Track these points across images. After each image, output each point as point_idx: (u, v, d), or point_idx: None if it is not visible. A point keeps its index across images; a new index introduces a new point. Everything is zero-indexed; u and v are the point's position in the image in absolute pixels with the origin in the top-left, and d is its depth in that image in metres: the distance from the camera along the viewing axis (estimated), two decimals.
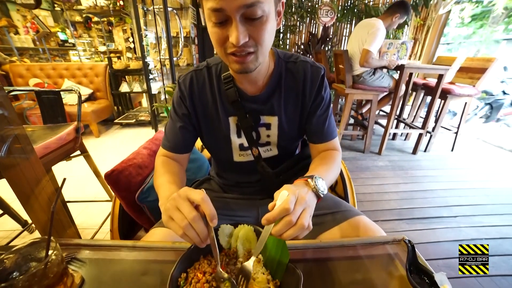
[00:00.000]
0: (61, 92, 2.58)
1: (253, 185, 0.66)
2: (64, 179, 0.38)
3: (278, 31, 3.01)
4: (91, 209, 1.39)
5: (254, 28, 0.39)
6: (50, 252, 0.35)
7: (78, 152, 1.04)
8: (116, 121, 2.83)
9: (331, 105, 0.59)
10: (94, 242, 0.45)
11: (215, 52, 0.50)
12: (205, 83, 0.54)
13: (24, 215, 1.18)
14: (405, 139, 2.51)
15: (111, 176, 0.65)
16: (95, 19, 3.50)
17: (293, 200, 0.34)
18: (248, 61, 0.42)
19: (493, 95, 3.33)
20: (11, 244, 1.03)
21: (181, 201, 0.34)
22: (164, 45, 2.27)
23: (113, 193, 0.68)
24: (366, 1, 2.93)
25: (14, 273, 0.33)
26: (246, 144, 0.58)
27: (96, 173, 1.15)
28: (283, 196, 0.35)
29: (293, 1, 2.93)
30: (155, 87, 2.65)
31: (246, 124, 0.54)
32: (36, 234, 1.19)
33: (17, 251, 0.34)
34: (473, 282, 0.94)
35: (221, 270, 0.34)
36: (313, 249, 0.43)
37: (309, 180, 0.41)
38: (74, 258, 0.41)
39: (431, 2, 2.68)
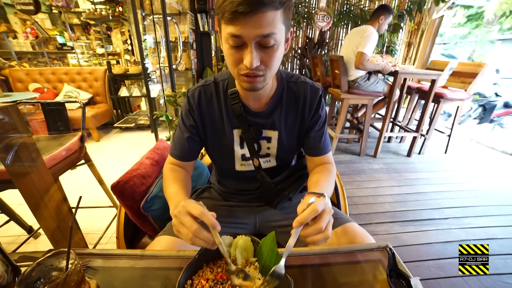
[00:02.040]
0: (62, 95, 2.59)
1: (252, 193, 0.70)
2: (80, 197, 0.42)
3: None
4: (94, 214, 1.42)
5: (265, 54, 0.44)
6: (71, 261, 0.39)
7: (82, 161, 1.07)
8: (115, 125, 2.85)
9: (326, 122, 0.64)
10: (106, 251, 0.49)
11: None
12: (212, 97, 0.59)
13: (29, 221, 1.22)
14: (400, 142, 2.57)
15: (117, 187, 0.69)
16: (92, 22, 3.52)
17: (321, 205, 0.39)
18: (257, 81, 0.47)
19: (486, 97, 3.41)
20: (19, 250, 1.07)
21: (183, 217, 0.39)
22: (163, 52, 2.31)
23: (117, 201, 0.72)
24: (362, 6, 2.99)
25: (39, 282, 0.37)
26: (248, 155, 0.62)
27: (100, 181, 1.19)
28: (311, 201, 0.40)
29: None
30: (155, 89, 2.69)
31: (249, 136, 0.59)
32: (42, 239, 1.23)
33: (40, 262, 0.39)
34: (460, 281, 0.99)
35: (232, 264, 0.40)
36: (305, 256, 0.47)
37: (321, 197, 0.44)
38: (88, 266, 0.45)
39: (425, 7, 2.74)
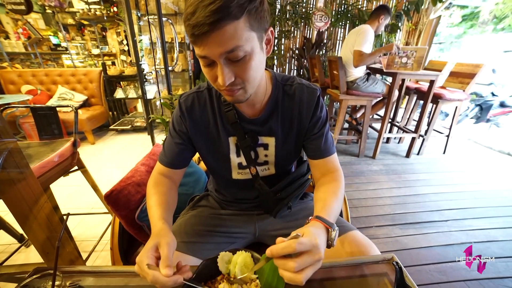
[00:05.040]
0: (56, 97, 2.54)
1: (251, 202, 0.68)
2: (68, 214, 0.39)
3: None
4: (88, 220, 1.38)
5: (238, 68, 0.42)
6: (57, 283, 0.37)
7: (75, 167, 1.04)
8: (111, 127, 2.81)
9: (328, 122, 0.61)
10: (97, 268, 0.46)
11: None
12: (206, 104, 0.57)
13: (19, 229, 1.18)
14: (398, 142, 2.57)
15: (111, 196, 0.66)
16: (87, 22, 3.45)
17: (305, 244, 0.34)
18: (237, 94, 0.45)
19: (482, 97, 3.43)
20: (10, 259, 1.03)
21: (141, 272, 0.37)
22: (159, 53, 2.27)
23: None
24: (359, 6, 2.99)
25: None
26: (244, 163, 0.60)
27: (94, 187, 1.15)
28: (297, 235, 0.35)
29: (288, 8, 2.96)
30: (151, 91, 2.64)
31: (245, 144, 0.56)
32: (33, 248, 1.19)
33: (25, 285, 0.36)
34: (462, 286, 0.98)
35: None
36: None
37: (331, 231, 0.41)
38: (78, 286, 0.42)
39: (422, 7, 2.75)
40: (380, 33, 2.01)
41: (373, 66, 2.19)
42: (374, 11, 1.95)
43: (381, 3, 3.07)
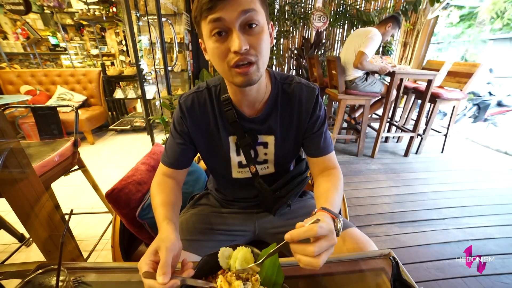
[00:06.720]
0: (56, 98, 2.54)
1: (251, 201, 0.69)
2: (71, 211, 0.40)
3: None
4: (89, 219, 1.39)
5: (252, 37, 0.42)
6: (61, 278, 0.37)
7: (76, 166, 1.04)
8: (110, 127, 2.81)
9: (327, 121, 0.61)
10: (99, 265, 0.47)
11: (208, 58, 0.53)
12: (206, 104, 0.57)
13: (20, 229, 1.18)
14: (397, 141, 2.59)
15: (112, 194, 0.66)
16: (86, 22, 3.46)
17: (323, 229, 0.35)
18: (250, 72, 0.44)
19: (480, 96, 3.45)
20: (11, 259, 1.03)
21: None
22: (158, 54, 2.27)
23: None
24: (358, 7, 3.00)
25: None
26: (244, 162, 0.60)
27: (95, 186, 1.16)
28: (317, 220, 0.36)
29: (286, 8, 2.97)
30: (150, 91, 2.65)
31: (244, 143, 0.57)
32: (34, 247, 1.19)
33: (29, 280, 0.37)
34: (459, 283, 0.99)
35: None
36: None
37: (337, 221, 0.41)
38: (81, 282, 0.43)
39: (420, 7, 2.77)
40: (384, 41, 2.05)
41: None
42: (384, 19, 2.02)
43: (379, 3, 3.09)
